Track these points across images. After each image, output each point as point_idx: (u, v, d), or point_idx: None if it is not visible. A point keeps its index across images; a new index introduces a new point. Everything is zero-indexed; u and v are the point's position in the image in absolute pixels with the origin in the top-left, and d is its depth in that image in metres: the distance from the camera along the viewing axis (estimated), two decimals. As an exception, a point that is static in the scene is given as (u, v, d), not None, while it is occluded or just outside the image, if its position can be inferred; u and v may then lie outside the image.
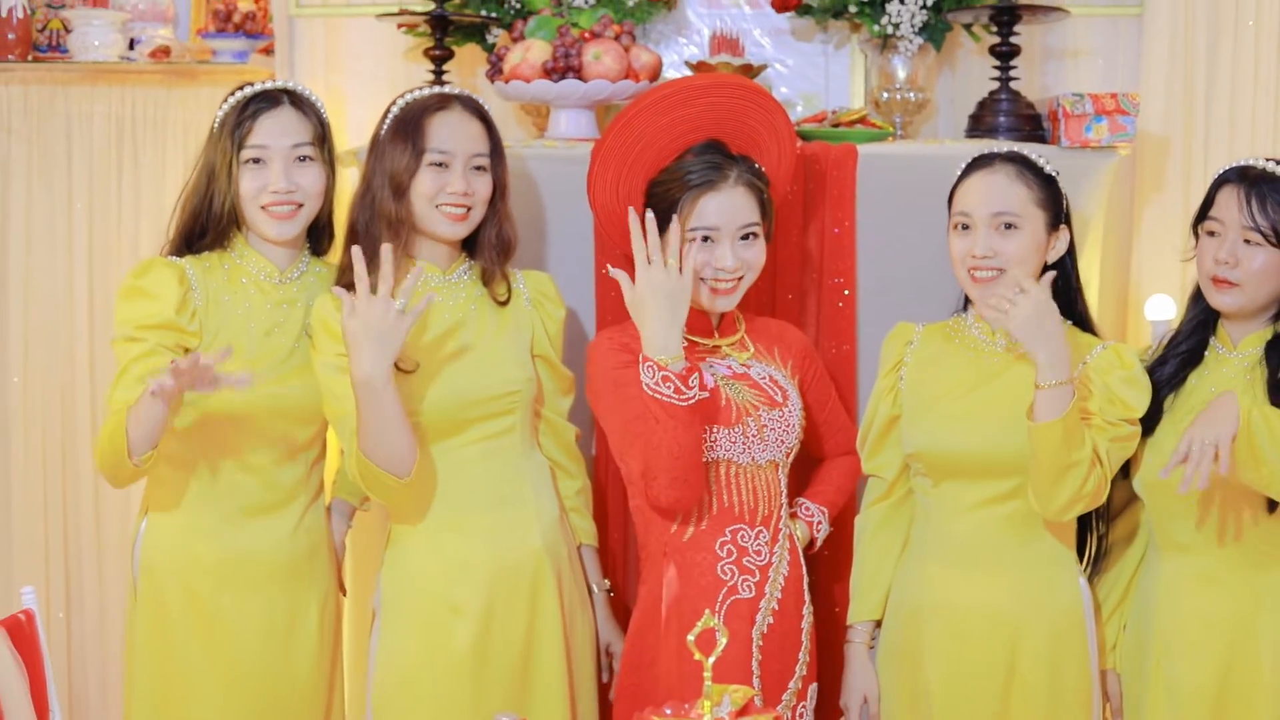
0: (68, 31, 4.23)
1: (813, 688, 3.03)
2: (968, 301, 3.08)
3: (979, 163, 3.03)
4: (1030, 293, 2.80)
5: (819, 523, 3.15)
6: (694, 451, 2.83)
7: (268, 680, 3.08)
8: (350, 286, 2.86)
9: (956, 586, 2.99)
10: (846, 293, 3.45)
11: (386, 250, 2.83)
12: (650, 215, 2.89)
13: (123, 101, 4.21)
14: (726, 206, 2.96)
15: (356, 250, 2.87)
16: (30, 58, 4.17)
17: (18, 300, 4.22)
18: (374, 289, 2.80)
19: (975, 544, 2.98)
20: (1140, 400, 2.90)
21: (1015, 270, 2.89)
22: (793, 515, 3.13)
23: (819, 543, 3.17)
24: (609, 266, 2.95)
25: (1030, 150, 3.07)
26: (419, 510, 3.00)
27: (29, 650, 2.79)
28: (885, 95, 3.81)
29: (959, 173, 3.06)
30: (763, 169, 3.04)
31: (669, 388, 2.78)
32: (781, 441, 2.99)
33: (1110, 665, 3.08)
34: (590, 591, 3.19)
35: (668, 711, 2.03)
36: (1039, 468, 2.81)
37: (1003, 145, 3.14)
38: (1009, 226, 2.95)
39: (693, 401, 2.80)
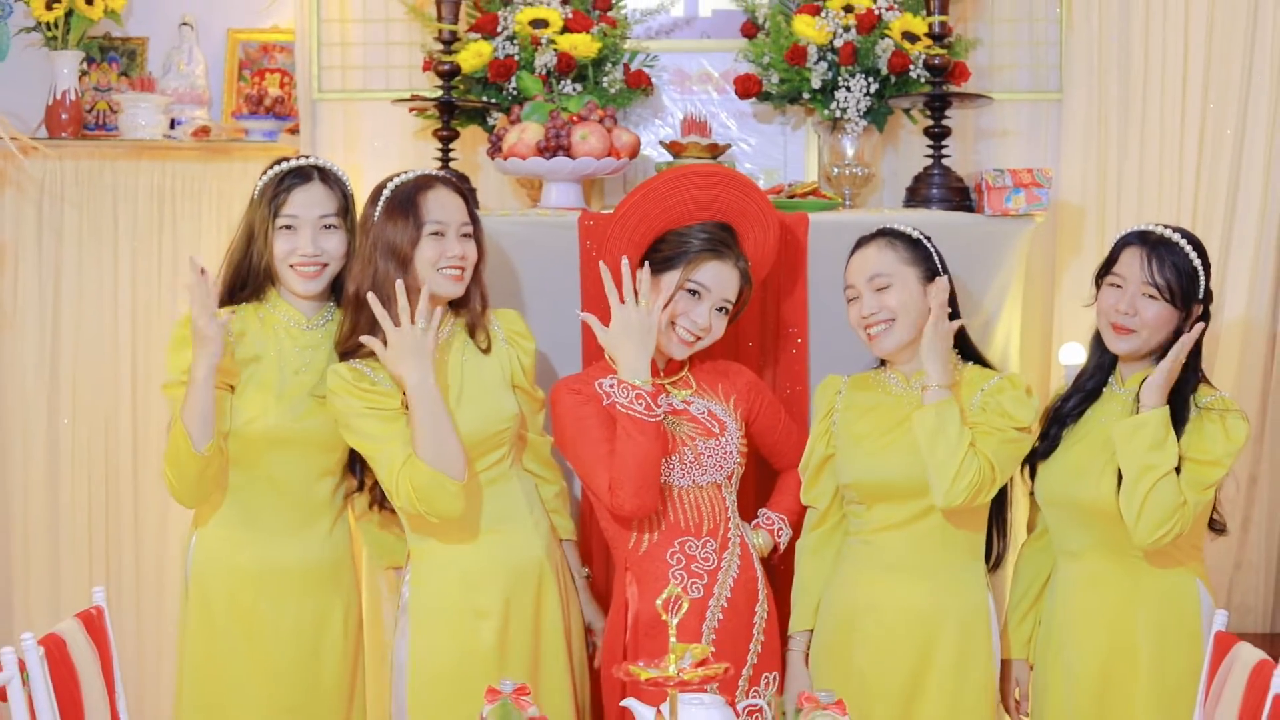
0: (113, 112, 4.67)
1: (770, 676, 3.48)
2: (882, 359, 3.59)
3: (857, 244, 3.55)
4: (938, 325, 3.34)
5: (779, 529, 3.62)
6: (656, 463, 3.33)
7: (300, 675, 3.50)
8: (349, 355, 3.38)
9: (885, 590, 3.46)
10: (799, 341, 3.93)
11: (399, 285, 3.29)
12: (627, 263, 3.37)
13: (163, 174, 4.62)
14: (722, 276, 3.48)
15: (372, 296, 3.31)
16: (80, 135, 4.61)
17: (69, 349, 4.64)
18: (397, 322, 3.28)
19: (900, 554, 3.46)
20: (1025, 413, 3.39)
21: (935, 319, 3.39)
22: (755, 526, 3.61)
23: (782, 547, 3.63)
24: (579, 312, 3.45)
25: (899, 222, 3.56)
26: (440, 530, 3.43)
27: (99, 639, 3.19)
28: (835, 170, 4.30)
29: None
30: (749, 269, 3.54)
31: (640, 405, 3.30)
32: (720, 466, 3.47)
33: (1024, 656, 3.57)
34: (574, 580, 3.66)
35: (641, 664, 2.51)
36: (925, 453, 3.32)
37: (882, 222, 3.60)
38: (884, 287, 3.45)
39: (659, 418, 3.30)
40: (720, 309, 3.49)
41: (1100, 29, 4.42)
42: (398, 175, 3.50)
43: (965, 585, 3.46)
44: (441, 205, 3.44)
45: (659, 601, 2.53)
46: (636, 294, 3.37)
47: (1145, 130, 4.43)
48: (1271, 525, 4.59)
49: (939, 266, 3.49)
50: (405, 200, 3.42)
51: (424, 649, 3.45)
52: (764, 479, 3.80)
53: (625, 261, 3.39)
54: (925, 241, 3.51)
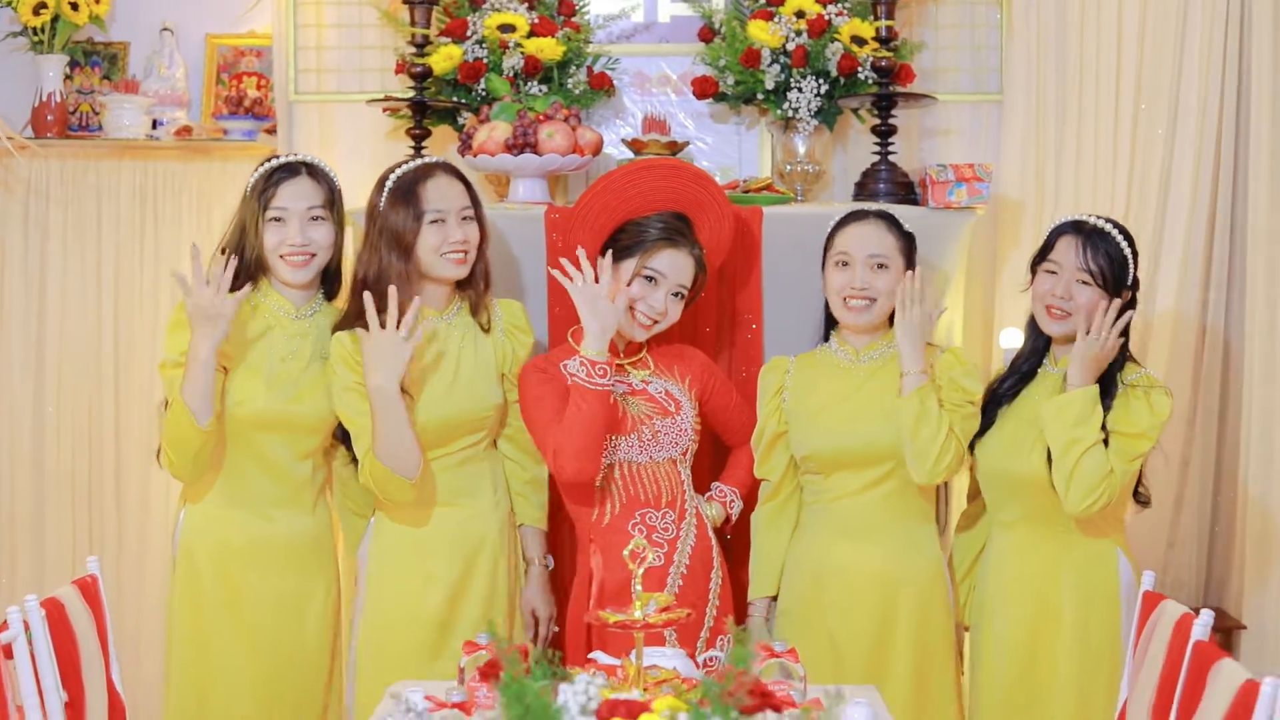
0: (95, 114, 4.85)
1: (725, 638, 3.66)
2: (828, 333, 3.80)
3: (856, 215, 3.74)
4: (923, 306, 3.55)
5: (731, 500, 3.83)
6: (599, 431, 3.53)
7: (283, 646, 3.68)
8: (346, 327, 3.58)
9: (847, 554, 3.67)
10: (754, 327, 4.14)
11: (392, 291, 3.52)
12: (584, 252, 3.59)
13: (145, 173, 4.80)
14: (676, 263, 3.68)
15: (368, 296, 3.51)
16: (65, 136, 4.79)
17: (54, 341, 4.81)
18: (383, 324, 3.49)
19: (861, 519, 3.67)
20: (975, 386, 3.63)
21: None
22: (709, 498, 3.81)
23: (734, 518, 3.83)
24: (548, 269, 3.65)
25: (894, 210, 3.80)
26: (406, 504, 3.64)
27: (95, 605, 3.34)
28: (788, 167, 4.50)
29: (835, 222, 3.76)
30: (703, 256, 3.75)
31: (583, 371, 3.52)
32: (675, 443, 3.68)
33: (960, 619, 3.79)
34: (529, 565, 3.84)
35: (610, 610, 2.71)
36: (908, 437, 3.52)
37: (872, 205, 3.86)
38: (881, 266, 3.67)
39: (605, 388, 3.52)
40: (676, 294, 3.69)
41: (1038, 34, 4.64)
42: (401, 164, 3.71)
43: (922, 547, 3.68)
44: (441, 193, 3.64)
45: (625, 552, 2.75)
46: (598, 278, 3.57)
47: (1081, 130, 4.66)
48: (1203, 504, 4.82)
49: (914, 261, 3.73)
50: (406, 190, 3.63)
51: (375, 606, 3.67)
52: (717, 455, 4.01)
53: (582, 251, 3.60)
54: (912, 235, 3.74)
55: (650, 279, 3.67)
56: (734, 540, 3.92)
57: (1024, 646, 3.61)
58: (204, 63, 4.96)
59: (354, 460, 3.76)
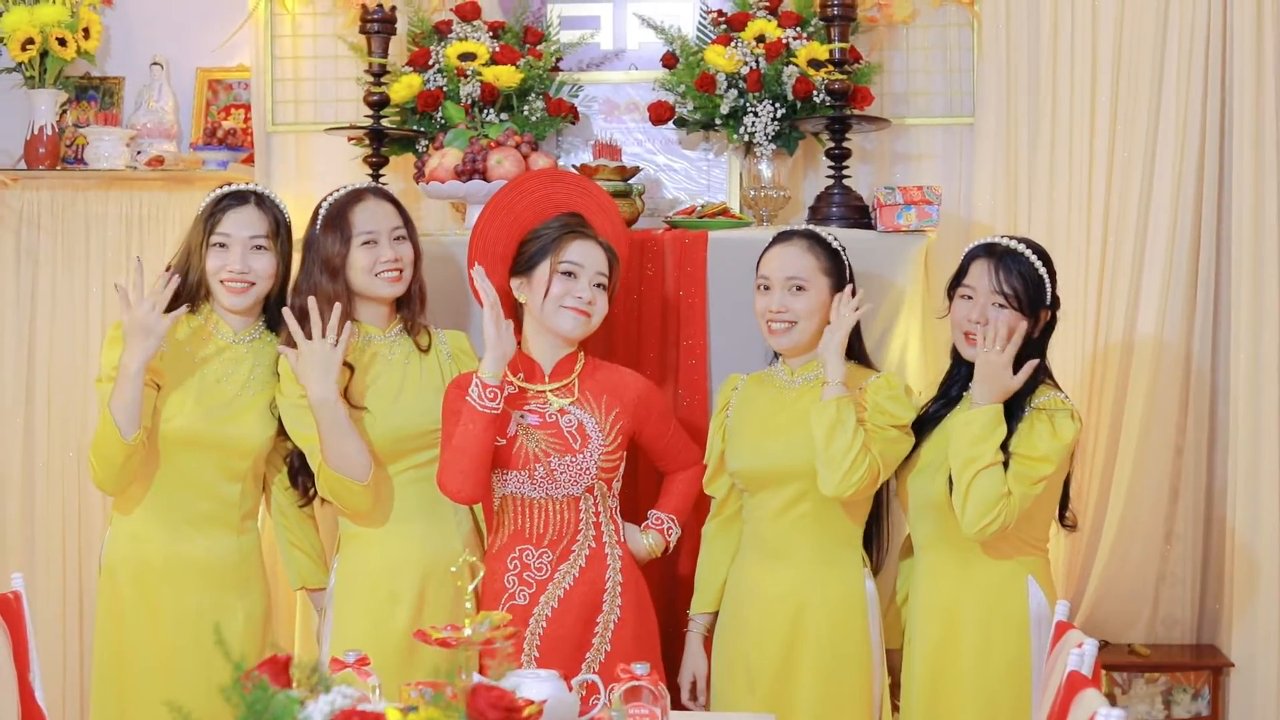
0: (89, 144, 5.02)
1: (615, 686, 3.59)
2: (777, 353, 3.76)
3: (779, 237, 3.72)
4: (841, 330, 3.52)
5: (669, 528, 3.80)
6: (480, 453, 3.52)
7: (198, 665, 3.66)
8: (291, 342, 3.63)
9: (763, 574, 3.65)
10: (700, 353, 4.11)
11: (312, 303, 3.58)
12: (481, 269, 3.60)
13: (131, 203, 4.92)
14: (588, 252, 3.65)
15: (287, 311, 3.62)
16: (59, 168, 4.92)
17: (43, 366, 4.93)
18: (309, 336, 3.56)
19: (778, 540, 3.64)
20: (903, 410, 3.57)
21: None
22: (646, 527, 3.78)
23: (671, 545, 3.81)
24: (473, 269, 3.65)
25: (821, 229, 3.76)
26: (367, 519, 3.70)
27: (15, 621, 3.39)
28: (753, 193, 4.46)
29: (767, 245, 3.74)
30: (611, 246, 3.72)
31: (475, 393, 3.52)
32: (575, 481, 3.60)
33: (896, 646, 3.72)
34: None
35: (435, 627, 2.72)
36: (821, 444, 3.46)
37: (800, 226, 3.82)
38: (799, 289, 3.63)
39: (488, 411, 3.50)
40: (598, 285, 3.66)
41: (1009, 56, 4.56)
42: (333, 193, 3.80)
43: (839, 571, 3.63)
44: (371, 215, 3.73)
45: (453, 569, 2.74)
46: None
47: (1055, 152, 4.56)
48: (1195, 538, 4.68)
49: (849, 277, 3.68)
50: (337, 215, 3.73)
51: (343, 628, 3.69)
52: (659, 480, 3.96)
53: (480, 269, 3.62)
54: (842, 252, 3.70)
55: (568, 273, 3.63)
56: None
57: (930, 670, 3.56)
58: (194, 95, 5.07)
59: (294, 485, 3.84)
